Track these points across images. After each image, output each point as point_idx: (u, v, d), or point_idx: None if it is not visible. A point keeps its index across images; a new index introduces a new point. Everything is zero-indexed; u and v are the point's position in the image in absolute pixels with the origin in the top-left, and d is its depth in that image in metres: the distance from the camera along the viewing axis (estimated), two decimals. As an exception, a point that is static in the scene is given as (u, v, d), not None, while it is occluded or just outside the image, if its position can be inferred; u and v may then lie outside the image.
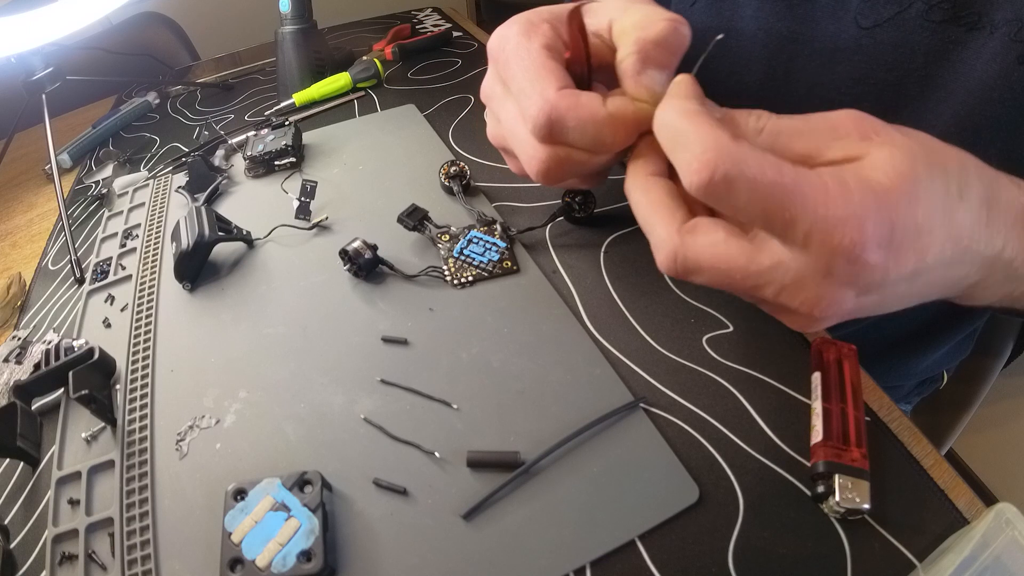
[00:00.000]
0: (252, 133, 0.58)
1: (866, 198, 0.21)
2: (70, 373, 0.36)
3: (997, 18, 0.32)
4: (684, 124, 0.23)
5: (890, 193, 0.21)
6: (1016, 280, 0.26)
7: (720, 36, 0.27)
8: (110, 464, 0.35)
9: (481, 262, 0.43)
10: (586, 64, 0.29)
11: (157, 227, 0.51)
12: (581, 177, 0.32)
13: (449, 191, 0.49)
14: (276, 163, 0.55)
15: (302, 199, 0.49)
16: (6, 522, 0.34)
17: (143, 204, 0.54)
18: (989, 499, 0.29)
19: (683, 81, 0.26)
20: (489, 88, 0.33)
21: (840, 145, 0.23)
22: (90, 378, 0.37)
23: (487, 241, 0.44)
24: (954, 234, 0.23)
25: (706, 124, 0.23)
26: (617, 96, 0.28)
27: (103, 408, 0.36)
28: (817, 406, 0.32)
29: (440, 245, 0.44)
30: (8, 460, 0.37)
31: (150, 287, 0.46)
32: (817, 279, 0.22)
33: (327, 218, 0.49)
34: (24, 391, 0.38)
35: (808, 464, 0.31)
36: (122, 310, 0.44)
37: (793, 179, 0.21)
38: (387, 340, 0.39)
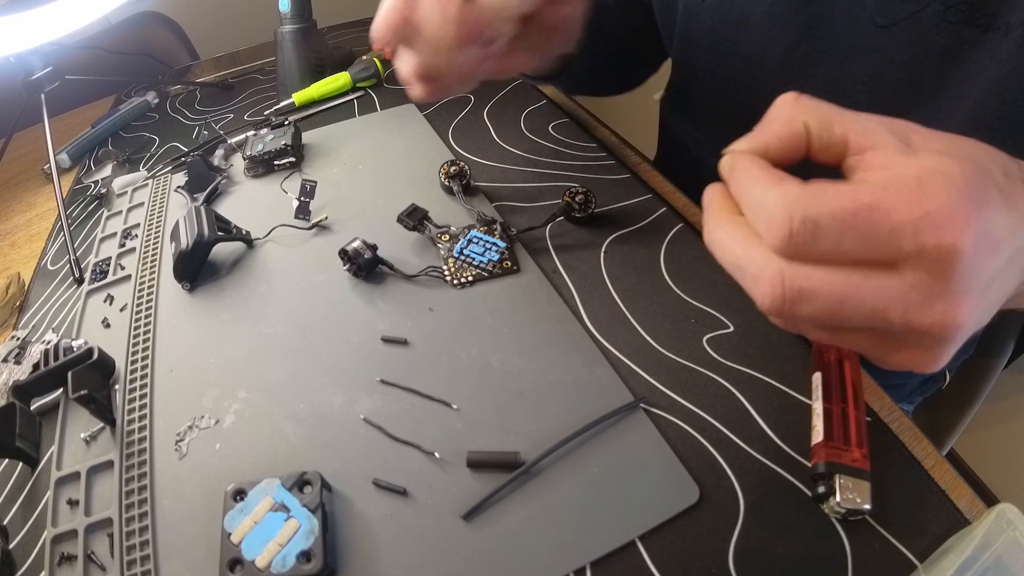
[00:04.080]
0: (251, 133, 0.58)
1: (947, 185, 0.20)
2: (69, 373, 0.36)
3: (1012, 20, 0.32)
4: (755, 190, 0.22)
5: (962, 176, 0.20)
6: None
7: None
8: (109, 464, 0.35)
9: (481, 262, 0.43)
10: None
11: (156, 227, 0.51)
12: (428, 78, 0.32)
13: (449, 191, 0.49)
14: (276, 163, 0.55)
15: (302, 199, 0.48)
16: (5, 522, 0.34)
17: (142, 204, 0.54)
18: (990, 499, 0.29)
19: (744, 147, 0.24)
20: None
21: (882, 135, 0.22)
22: (89, 378, 0.37)
23: (487, 241, 0.44)
24: (1021, 213, 0.21)
25: (769, 181, 0.22)
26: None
27: (102, 408, 0.36)
28: (818, 406, 0.32)
29: (440, 245, 0.44)
30: (7, 460, 0.37)
31: (149, 287, 0.45)
32: (942, 291, 0.20)
33: (327, 218, 0.49)
34: (23, 391, 0.37)
35: (809, 464, 0.31)
36: (121, 310, 0.44)
37: (871, 197, 0.20)
38: (387, 340, 0.39)
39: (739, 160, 0.24)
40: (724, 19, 0.44)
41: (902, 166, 0.21)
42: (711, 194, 0.26)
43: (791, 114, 0.24)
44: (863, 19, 0.37)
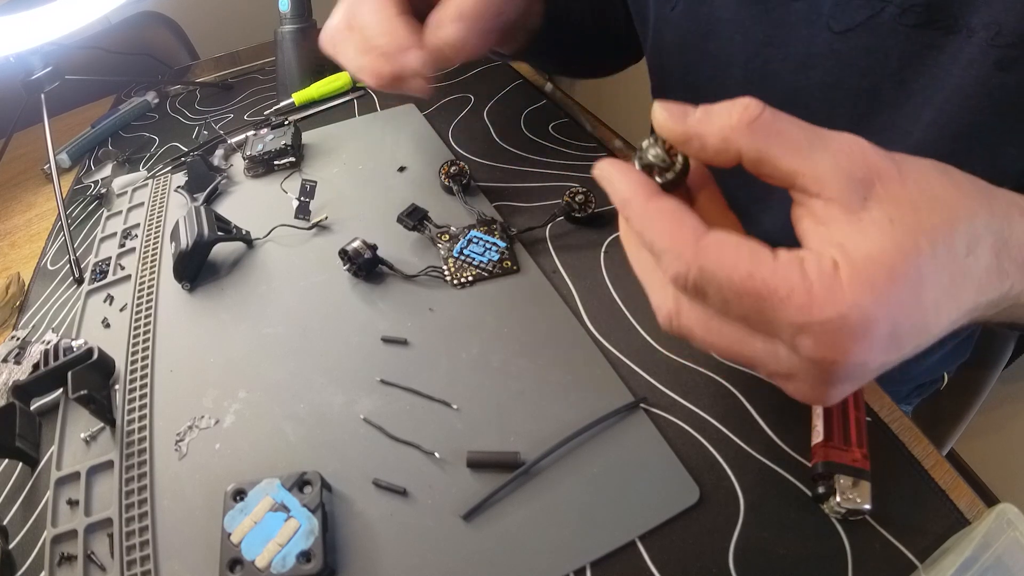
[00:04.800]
0: (251, 133, 0.58)
1: (859, 294, 0.18)
2: (69, 373, 0.36)
3: (974, 22, 0.30)
4: (652, 233, 0.22)
5: (889, 280, 0.19)
6: (1017, 307, 0.24)
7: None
8: (109, 464, 0.35)
9: (481, 262, 0.43)
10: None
11: (156, 227, 0.51)
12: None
13: (449, 191, 0.49)
14: (275, 163, 0.55)
15: (302, 199, 0.48)
16: (5, 522, 0.34)
17: (142, 204, 0.54)
18: (990, 500, 0.29)
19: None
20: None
21: (834, 186, 0.20)
22: (89, 378, 0.37)
23: (487, 241, 0.44)
24: (964, 296, 0.20)
25: (670, 225, 0.22)
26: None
27: (102, 408, 0.36)
28: (818, 406, 0.32)
29: (440, 245, 0.44)
30: (7, 460, 0.37)
31: (149, 287, 0.45)
32: (811, 379, 0.21)
33: (327, 218, 0.49)
34: (23, 391, 0.37)
35: (809, 464, 0.31)
36: (121, 310, 0.44)
37: (765, 281, 0.19)
38: (387, 340, 0.39)
39: (629, 197, 0.23)
40: (692, 27, 0.43)
41: (832, 238, 0.20)
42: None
43: (732, 134, 0.21)
44: (819, 25, 0.36)
